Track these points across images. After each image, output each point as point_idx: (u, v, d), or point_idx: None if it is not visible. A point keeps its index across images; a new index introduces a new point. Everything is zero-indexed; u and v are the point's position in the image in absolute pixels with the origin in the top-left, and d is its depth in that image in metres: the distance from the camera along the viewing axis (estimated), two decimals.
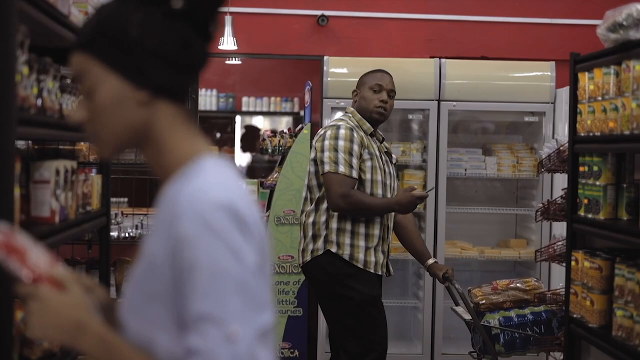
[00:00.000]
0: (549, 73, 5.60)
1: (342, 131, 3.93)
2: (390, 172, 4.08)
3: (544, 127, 5.58)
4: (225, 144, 9.91)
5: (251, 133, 9.89)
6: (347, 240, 3.91)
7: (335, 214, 3.91)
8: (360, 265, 3.90)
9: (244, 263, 1.36)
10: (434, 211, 5.48)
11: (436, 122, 5.51)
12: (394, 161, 4.19)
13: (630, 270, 2.82)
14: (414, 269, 5.89)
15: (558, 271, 5.13)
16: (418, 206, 5.31)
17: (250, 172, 9.53)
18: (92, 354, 1.42)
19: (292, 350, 5.44)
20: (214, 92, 9.44)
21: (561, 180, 4.85)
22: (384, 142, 4.18)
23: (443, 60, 5.63)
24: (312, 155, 4.03)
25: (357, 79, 5.58)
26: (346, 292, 3.88)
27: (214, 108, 9.52)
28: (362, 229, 3.92)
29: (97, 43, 1.46)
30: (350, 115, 4.10)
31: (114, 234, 4.31)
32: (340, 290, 3.90)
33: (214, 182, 1.42)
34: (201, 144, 1.51)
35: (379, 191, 3.95)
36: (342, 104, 5.56)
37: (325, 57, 5.62)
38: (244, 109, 9.63)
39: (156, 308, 1.40)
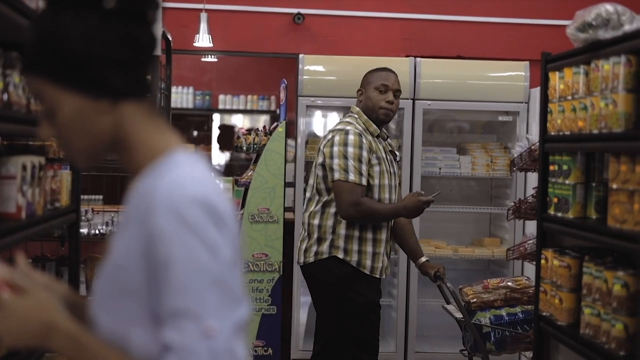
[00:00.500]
0: (523, 73, 5.63)
1: (350, 137, 3.90)
2: (394, 172, 4.10)
3: (517, 126, 5.62)
4: (202, 142, 9.89)
5: (228, 131, 9.88)
6: (355, 247, 3.91)
7: (343, 220, 3.91)
8: (367, 272, 3.92)
9: (220, 258, 1.36)
10: None
11: (411, 121, 5.52)
12: (397, 158, 4.21)
13: (597, 269, 2.83)
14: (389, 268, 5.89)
15: (530, 270, 5.16)
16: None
17: (228, 170, 9.51)
18: (64, 352, 1.40)
19: (265, 348, 5.43)
20: (191, 89, 9.41)
21: (534, 180, 4.88)
22: (388, 140, 4.17)
23: (418, 59, 5.65)
24: (320, 159, 4.00)
25: (333, 78, 5.65)
26: (351, 296, 3.89)
27: (190, 106, 9.49)
28: (369, 235, 3.94)
29: (43, 65, 1.42)
30: (356, 116, 4.06)
31: (84, 230, 4.29)
32: (345, 294, 3.90)
33: (188, 176, 1.41)
34: (171, 138, 1.50)
35: (386, 195, 3.97)
36: (318, 102, 5.57)
37: (301, 55, 5.62)
38: (220, 107, 9.61)
39: (129, 304, 1.38)
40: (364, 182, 3.88)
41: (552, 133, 3.32)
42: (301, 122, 5.57)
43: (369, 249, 3.92)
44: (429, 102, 5.56)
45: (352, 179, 3.85)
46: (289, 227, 5.49)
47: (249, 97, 9.51)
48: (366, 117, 4.02)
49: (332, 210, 3.93)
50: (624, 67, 2.69)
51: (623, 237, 2.64)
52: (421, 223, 5.54)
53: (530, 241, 3.79)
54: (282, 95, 5.92)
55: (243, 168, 9.10)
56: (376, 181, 3.94)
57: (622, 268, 2.70)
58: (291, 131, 6.54)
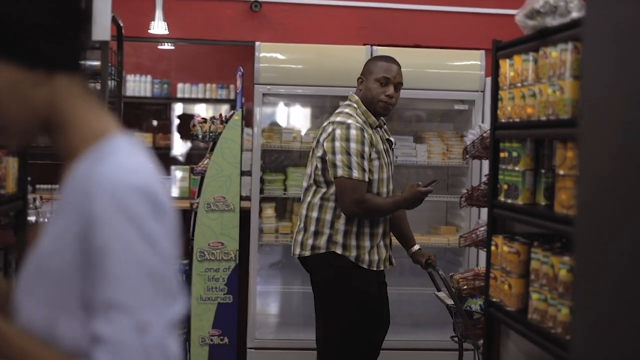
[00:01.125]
0: (479, 62, 5.66)
1: (352, 132, 3.86)
2: (390, 162, 4.11)
3: (473, 115, 5.64)
4: (160, 131, 9.80)
5: (188, 120, 9.79)
6: (353, 242, 3.91)
7: (342, 214, 3.89)
8: (365, 266, 3.92)
9: (158, 251, 1.32)
10: None
11: None
12: (393, 146, 4.19)
13: (545, 254, 2.86)
14: None
15: (484, 257, 5.20)
16: None
17: (188, 159, 9.45)
18: None
19: (222, 337, 5.41)
20: (149, 78, 9.32)
21: (488, 167, 4.92)
22: (385, 127, 4.16)
23: (375, 47, 5.64)
24: (320, 152, 3.95)
25: (290, 66, 5.62)
26: (349, 289, 3.91)
27: (148, 94, 9.40)
28: (367, 229, 3.94)
29: None
30: (355, 106, 4.02)
31: (32, 218, 4.22)
32: (343, 287, 3.92)
33: (129, 163, 1.38)
34: (109, 122, 1.46)
35: (384, 189, 3.99)
36: (275, 90, 5.54)
37: (257, 43, 5.58)
38: (179, 95, 9.53)
39: (59, 291, 1.34)
40: (367, 178, 3.86)
41: (503, 120, 3.33)
42: (258, 110, 5.54)
43: (366, 243, 3.92)
44: None
45: (356, 176, 3.82)
46: (245, 216, 5.47)
47: (208, 85, 9.44)
48: (365, 108, 3.99)
49: (332, 204, 3.91)
50: (571, 54, 2.71)
51: (569, 223, 2.67)
52: None
53: (482, 228, 3.81)
54: (239, 83, 5.88)
55: (202, 157, 9.04)
56: (376, 176, 3.94)
57: (568, 253, 2.73)
58: (250, 120, 6.50)
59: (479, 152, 3.86)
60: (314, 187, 3.99)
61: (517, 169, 3.18)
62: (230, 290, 5.44)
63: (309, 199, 3.99)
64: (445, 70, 5.73)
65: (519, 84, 3.15)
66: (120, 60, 4.47)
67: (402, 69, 5.68)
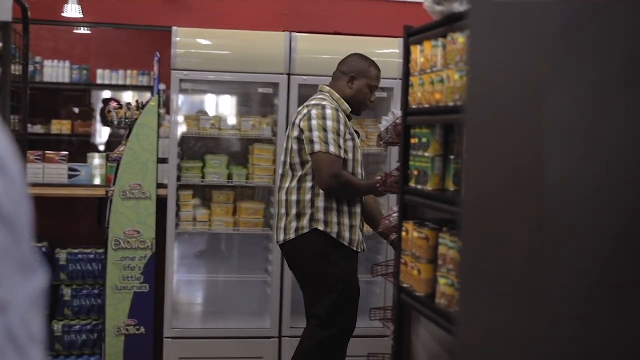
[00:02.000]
0: (397, 50, 5.67)
1: (328, 111, 4.08)
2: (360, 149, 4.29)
3: (392, 102, 5.66)
4: (79, 118, 9.59)
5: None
6: (335, 219, 4.05)
7: (321, 192, 4.04)
8: (346, 243, 4.07)
9: (6, 220, 1.25)
10: None
11: (286, 95, 5.49)
12: (359, 138, 4.43)
13: (452, 239, 2.87)
14: (264, 244, 5.88)
15: None
16: (266, 180, 5.39)
17: (108, 146, 9.26)
18: None
19: (137, 327, 5.32)
20: (67, 63, 9.09)
21: (399, 153, 4.97)
22: (352, 120, 4.36)
23: (294, 34, 5.61)
24: (296, 133, 4.13)
25: (208, 51, 5.55)
26: (331, 268, 4.03)
27: (66, 80, 9.17)
28: (346, 207, 4.09)
29: None
30: (328, 95, 4.25)
31: None
32: (326, 267, 4.03)
33: None
34: None
35: (359, 170, 4.18)
36: (191, 76, 5.46)
37: (174, 28, 5.49)
38: (98, 81, 9.32)
39: None
40: (342, 155, 4.04)
41: (413, 106, 3.34)
42: (175, 96, 5.45)
43: (346, 220, 4.06)
44: (304, 77, 5.53)
45: (333, 151, 4.00)
46: (161, 204, 5.38)
47: (129, 72, 9.26)
48: (338, 96, 4.24)
49: (309, 184, 4.07)
50: None
51: None
52: None
53: (395, 214, 3.82)
54: (156, 68, 5.78)
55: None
56: (350, 155, 4.11)
57: None
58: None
59: (392, 138, 3.86)
60: (290, 173, 4.15)
61: (426, 154, 3.19)
62: (147, 279, 5.35)
63: (286, 184, 4.15)
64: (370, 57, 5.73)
65: (429, 70, 3.15)
66: (26, 43, 4.33)
67: (321, 56, 5.72)
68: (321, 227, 4.03)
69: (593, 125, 1.29)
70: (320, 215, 4.03)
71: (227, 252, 6.13)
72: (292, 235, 4.09)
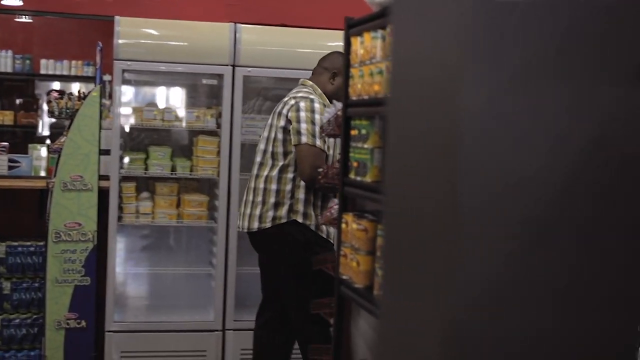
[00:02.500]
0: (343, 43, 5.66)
1: (316, 105, 4.18)
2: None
3: None
4: (23, 109, 9.40)
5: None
6: (313, 211, 4.14)
7: (302, 184, 4.10)
8: (324, 236, 4.16)
9: None
10: (227, 178, 5.42)
11: (231, 87, 5.45)
12: None
13: (381, 229, 2.87)
14: (208, 237, 5.83)
15: None
16: (211, 172, 5.37)
17: (52, 137, 9.10)
18: None
19: (78, 320, 5.24)
20: (9, 53, 8.90)
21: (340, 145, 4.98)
22: None
23: (239, 25, 5.57)
24: (282, 123, 4.20)
25: (151, 41, 5.47)
26: (312, 255, 3.98)
27: (9, 70, 8.98)
28: (319, 202, 4.18)
29: None
30: (311, 89, 4.34)
31: None
32: (305, 257, 4.01)
33: None
34: None
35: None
36: (135, 66, 5.39)
37: (117, 17, 5.41)
38: (42, 71, 9.15)
39: None
40: (326, 149, 4.14)
41: (354, 98, 3.33)
42: (118, 87, 5.37)
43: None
44: (249, 68, 5.49)
45: (319, 145, 4.09)
46: (104, 196, 5.30)
47: (74, 62, 9.10)
48: (321, 92, 4.32)
49: (290, 175, 4.14)
50: None
51: None
52: (241, 190, 5.50)
53: (336, 206, 3.81)
54: (98, 58, 5.69)
55: None
56: (331, 151, 4.20)
57: None
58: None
59: (334, 130, 3.85)
60: (270, 162, 4.21)
61: (365, 146, 3.18)
62: (88, 273, 5.28)
63: (265, 172, 4.20)
64: (312, 49, 5.71)
65: (368, 62, 3.15)
66: None
67: (267, 48, 5.69)
68: (300, 219, 4.09)
69: (509, 113, 1.29)
70: (300, 207, 4.10)
71: (171, 245, 6.07)
72: (268, 225, 4.13)
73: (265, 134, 4.34)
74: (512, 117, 1.30)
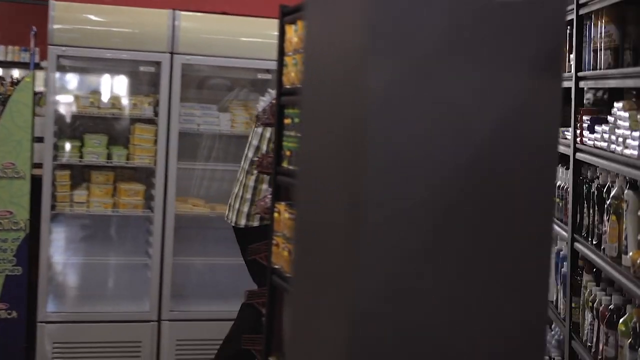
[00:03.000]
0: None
1: None
2: None
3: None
4: None
5: None
6: None
7: None
8: None
9: None
10: (164, 167, 5.36)
11: (169, 75, 5.37)
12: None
13: None
14: (145, 226, 5.76)
15: None
16: (147, 161, 5.30)
17: None
18: None
19: (9, 311, 5.13)
20: None
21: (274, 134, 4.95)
22: None
23: (177, 12, 5.49)
24: None
25: (87, 27, 5.38)
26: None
27: None
28: None
29: None
30: None
31: None
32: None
33: None
34: None
35: None
36: (70, 52, 5.28)
37: (51, 2, 5.29)
38: None
39: None
40: None
41: (288, 86, 3.31)
42: (52, 73, 5.26)
43: None
44: (188, 56, 5.42)
45: None
46: (37, 184, 5.19)
47: (10, 47, 8.90)
48: None
49: None
50: None
51: None
52: (179, 182, 5.44)
53: (270, 195, 3.79)
54: (32, 43, 5.57)
55: None
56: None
57: None
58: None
59: (269, 119, 3.83)
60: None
61: (298, 135, 3.16)
62: (20, 262, 5.16)
63: (246, 166, 4.21)
64: (253, 38, 5.68)
65: (302, 50, 3.13)
66: None
67: (206, 36, 5.63)
68: None
69: (413, 99, 1.29)
70: None
71: (107, 235, 5.97)
72: (255, 223, 4.18)
73: (260, 129, 4.31)
74: (416, 103, 1.30)
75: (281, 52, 3.38)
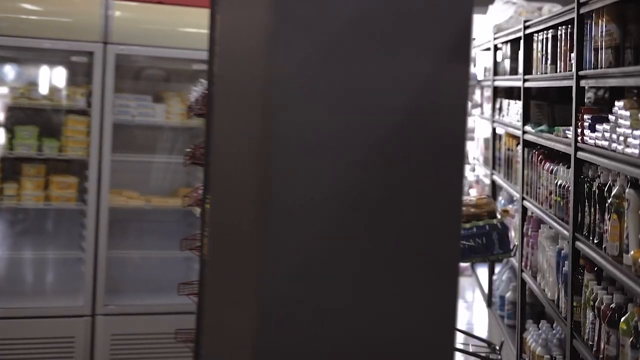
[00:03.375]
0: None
1: None
2: None
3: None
4: None
5: None
6: None
7: None
8: None
9: None
10: (98, 159, 5.26)
11: (102, 65, 5.27)
12: None
13: None
14: (79, 220, 5.65)
15: None
16: (80, 154, 5.18)
17: None
18: None
19: None
20: None
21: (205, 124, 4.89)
22: None
23: (111, 1, 5.39)
24: None
25: (15, 15, 5.24)
26: None
27: None
28: None
29: None
30: None
31: None
32: None
33: None
34: None
35: None
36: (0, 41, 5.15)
37: None
38: None
39: None
40: None
41: None
42: None
43: None
44: (122, 46, 5.33)
45: None
46: None
47: None
48: None
49: None
50: None
51: None
52: (114, 174, 5.35)
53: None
54: None
55: None
56: None
57: None
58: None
59: (202, 109, 3.78)
60: None
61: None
62: None
63: None
64: (189, 28, 5.60)
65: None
66: None
67: (142, 26, 5.53)
68: None
69: (321, 81, 1.28)
70: None
71: (39, 229, 5.84)
72: None
73: None
74: (324, 88, 1.28)
75: (212, 42, 3.33)
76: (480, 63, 8.40)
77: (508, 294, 5.96)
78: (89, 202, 5.23)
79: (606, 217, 3.14)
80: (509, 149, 6.13)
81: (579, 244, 3.54)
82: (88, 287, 5.27)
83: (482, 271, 7.70)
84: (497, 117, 6.69)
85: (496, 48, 6.99)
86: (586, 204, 3.46)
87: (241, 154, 1.34)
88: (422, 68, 1.34)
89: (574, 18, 3.67)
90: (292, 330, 1.28)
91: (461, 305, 7.48)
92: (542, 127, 4.65)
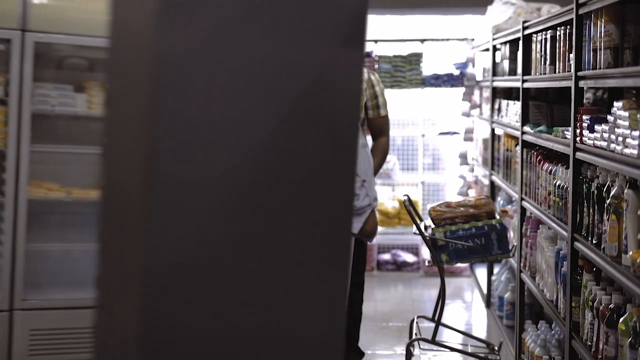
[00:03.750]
0: None
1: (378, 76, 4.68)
2: None
3: None
4: None
5: None
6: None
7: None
8: None
9: None
10: (16, 149, 5.12)
11: (20, 54, 5.13)
12: None
13: None
14: None
15: None
16: None
17: None
18: None
19: None
20: None
21: None
22: None
23: None
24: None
25: None
26: None
27: None
28: None
29: None
30: None
31: None
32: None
33: None
34: None
35: None
36: None
37: None
38: None
39: None
40: None
41: None
42: None
43: None
44: (41, 34, 5.19)
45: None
46: None
47: None
48: None
49: None
50: None
51: None
52: (33, 165, 5.22)
53: None
54: None
55: None
56: None
57: None
58: None
59: None
60: None
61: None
62: None
63: None
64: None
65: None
66: None
67: (62, 13, 5.39)
68: None
69: (209, 65, 1.24)
70: None
71: None
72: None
73: None
74: (211, 72, 1.25)
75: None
76: (479, 64, 8.40)
77: (507, 295, 5.99)
78: (6, 194, 5.10)
79: (605, 217, 3.15)
80: (507, 150, 6.17)
81: (577, 245, 3.55)
82: (5, 282, 5.12)
83: (481, 271, 7.73)
84: (495, 117, 6.72)
85: (495, 49, 7.02)
86: (585, 204, 3.47)
87: (129, 137, 1.30)
88: (314, 52, 1.32)
89: (572, 19, 3.68)
90: (179, 318, 1.25)
91: (460, 306, 7.51)
92: (541, 128, 4.67)
